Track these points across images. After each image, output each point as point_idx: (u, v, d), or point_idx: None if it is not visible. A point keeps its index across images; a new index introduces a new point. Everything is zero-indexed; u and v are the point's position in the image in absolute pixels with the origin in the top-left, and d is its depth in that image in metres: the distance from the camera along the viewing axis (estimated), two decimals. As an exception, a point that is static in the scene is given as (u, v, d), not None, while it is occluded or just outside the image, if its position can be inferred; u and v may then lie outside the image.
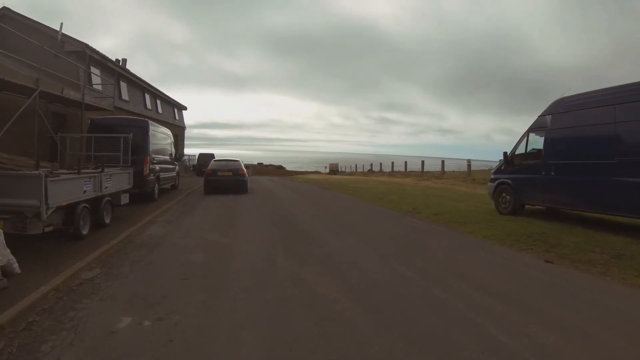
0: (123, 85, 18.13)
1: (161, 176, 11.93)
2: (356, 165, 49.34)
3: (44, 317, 3.34)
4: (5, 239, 4.25)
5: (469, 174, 21.02)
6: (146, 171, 10.39)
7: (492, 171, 9.91)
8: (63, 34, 13.75)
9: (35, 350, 2.78)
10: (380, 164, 38.71)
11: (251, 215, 9.17)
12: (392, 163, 33.90)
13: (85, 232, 6.35)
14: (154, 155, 11.20)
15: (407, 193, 14.49)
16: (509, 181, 8.90)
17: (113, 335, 3.02)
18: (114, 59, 16.96)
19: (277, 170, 44.35)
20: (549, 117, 8.16)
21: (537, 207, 8.84)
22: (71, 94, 10.85)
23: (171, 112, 26.86)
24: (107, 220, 7.34)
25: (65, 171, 6.75)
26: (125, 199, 8.45)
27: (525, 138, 8.71)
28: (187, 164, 33.46)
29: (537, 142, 8.48)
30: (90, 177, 6.69)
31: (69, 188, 6.00)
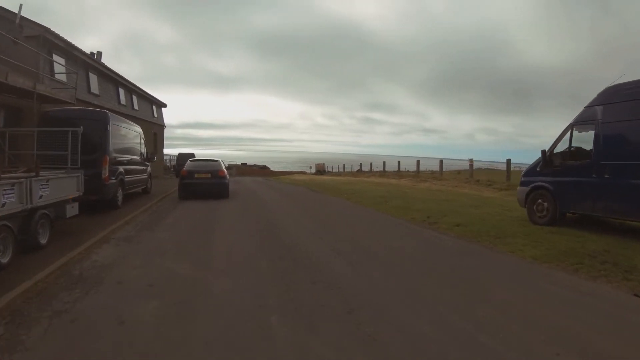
0: (93, 78, 16.04)
1: (127, 179, 10.05)
2: (344, 165, 47.76)
3: None
4: None
5: (472, 174, 19.70)
6: (105, 174, 8.54)
7: (522, 173, 8.36)
8: (22, 17, 11.77)
9: None
10: (371, 163, 37.26)
11: (232, 230, 7.38)
12: (384, 163, 32.48)
13: (4, 260, 4.59)
14: (116, 155, 9.34)
15: (410, 197, 12.95)
16: (547, 185, 7.39)
17: None
18: (88, 52, 14.95)
19: (261, 171, 43.15)
20: (599, 109, 6.72)
21: (568, 214, 7.44)
22: (19, 81, 8.94)
23: (149, 109, 24.75)
24: (43, 241, 5.57)
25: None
26: (72, 209, 6.66)
27: (568, 133, 7.22)
28: (168, 164, 31.52)
29: (582, 138, 7.05)
30: (12, 185, 4.89)
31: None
